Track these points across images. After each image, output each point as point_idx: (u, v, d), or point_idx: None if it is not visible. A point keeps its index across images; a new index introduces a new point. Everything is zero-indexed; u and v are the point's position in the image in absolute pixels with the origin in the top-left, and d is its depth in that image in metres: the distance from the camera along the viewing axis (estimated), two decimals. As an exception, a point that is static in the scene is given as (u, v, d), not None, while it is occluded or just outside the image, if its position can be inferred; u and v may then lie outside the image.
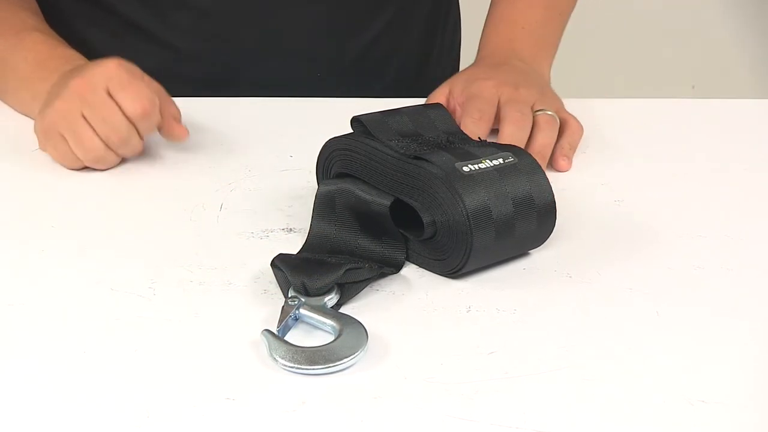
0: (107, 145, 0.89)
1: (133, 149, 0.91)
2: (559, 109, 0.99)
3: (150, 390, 0.64)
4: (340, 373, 0.65)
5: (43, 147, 0.92)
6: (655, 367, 0.66)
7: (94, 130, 0.88)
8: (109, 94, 0.89)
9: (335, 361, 0.65)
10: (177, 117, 0.94)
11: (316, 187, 0.82)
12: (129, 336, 0.69)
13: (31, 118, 0.98)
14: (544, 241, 0.79)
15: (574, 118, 0.98)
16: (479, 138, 0.86)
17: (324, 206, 0.80)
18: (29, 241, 0.82)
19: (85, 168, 0.92)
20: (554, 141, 0.95)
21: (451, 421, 0.61)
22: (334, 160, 0.81)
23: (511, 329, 0.70)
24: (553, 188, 0.77)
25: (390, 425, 0.61)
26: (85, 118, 0.88)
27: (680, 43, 2.29)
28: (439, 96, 1.00)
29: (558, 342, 0.69)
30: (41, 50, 0.99)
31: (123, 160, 0.93)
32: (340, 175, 0.81)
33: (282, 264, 0.73)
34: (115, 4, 1.11)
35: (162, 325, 0.71)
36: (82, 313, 0.72)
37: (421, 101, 1.01)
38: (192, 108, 0.99)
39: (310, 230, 0.80)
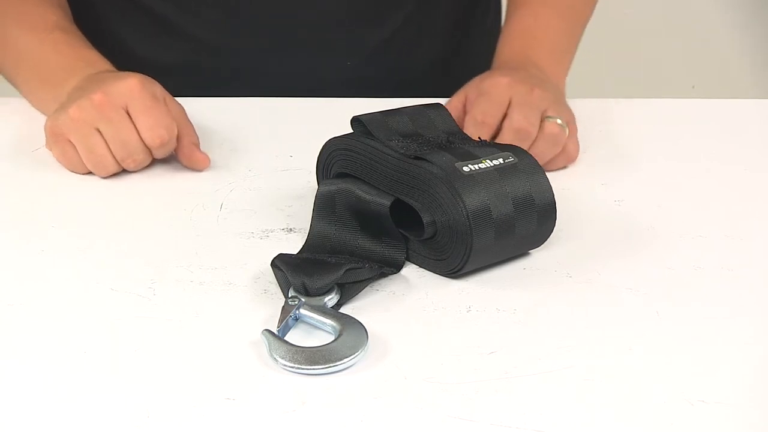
0: (117, 160, 0.90)
1: (141, 166, 0.91)
2: (570, 122, 0.95)
3: (150, 390, 0.64)
4: (340, 373, 0.65)
5: (49, 147, 0.92)
6: (655, 367, 0.66)
7: (108, 146, 0.89)
8: (128, 114, 0.89)
9: (335, 361, 0.65)
10: (197, 143, 0.94)
11: (316, 187, 0.82)
12: (129, 336, 0.69)
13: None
14: (544, 241, 0.79)
15: (576, 143, 0.95)
16: (479, 138, 0.86)
17: (324, 206, 0.80)
18: (29, 241, 0.82)
19: (88, 171, 0.92)
20: (554, 154, 0.92)
21: (451, 421, 0.61)
22: (334, 160, 0.81)
23: (511, 329, 0.70)
24: (553, 188, 0.77)
25: (390, 425, 0.61)
26: (99, 132, 0.88)
27: (680, 43, 2.29)
28: (455, 103, 0.97)
29: (558, 342, 0.69)
30: (64, 51, 0.99)
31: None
32: (340, 175, 0.81)
33: (282, 264, 0.73)
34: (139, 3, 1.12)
35: (162, 325, 0.71)
36: (82, 313, 0.72)
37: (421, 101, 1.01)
38: (192, 108, 0.99)
39: (310, 230, 0.80)
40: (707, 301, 0.74)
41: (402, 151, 0.77)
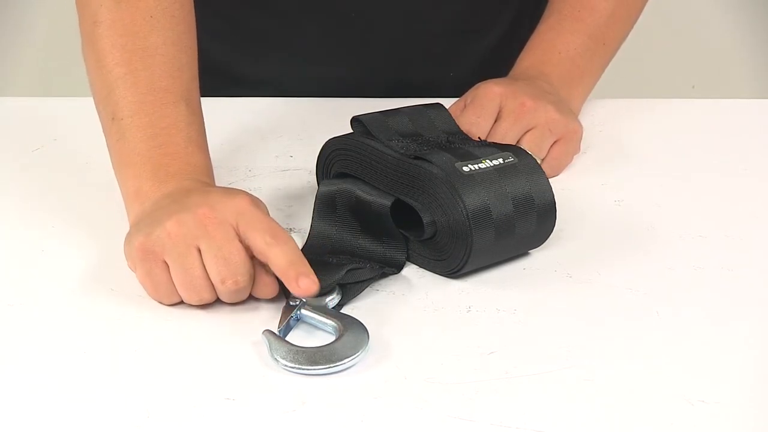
0: (215, 288, 0.72)
1: (239, 299, 0.73)
2: (565, 137, 0.93)
3: (150, 390, 0.64)
4: (340, 373, 0.65)
5: (132, 266, 0.75)
6: (655, 367, 0.66)
7: (205, 268, 0.72)
8: (237, 233, 0.72)
9: (336, 361, 0.65)
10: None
11: (316, 187, 0.82)
12: (129, 336, 0.69)
13: (123, 201, 0.82)
14: (544, 241, 0.79)
15: (565, 156, 0.93)
16: (479, 138, 0.86)
17: (325, 206, 0.80)
18: (29, 241, 0.82)
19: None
20: None
21: (451, 421, 0.61)
22: (334, 160, 0.81)
23: (511, 329, 0.70)
24: (553, 188, 0.77)
25: (390, 425, 0.61)
26: (199, 250, 0.72)
27: (680, 43, 2.29)
28: (456, 107, 0.95)
29: (558, 342, 0.69)
30: (175, 142, 0.80)
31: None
32: (340, 175, 0.81)
33: (282, 264, 0.73)
34: (239, 13, 1.10)
35: (162, 325, 0.71)
36: (82, 313, 0.72)
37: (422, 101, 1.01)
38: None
39: (310, 230, 0.80)
40: (707, 301, 0.74)
41: (402, 151, 0.77)
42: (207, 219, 0.72)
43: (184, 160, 0.80)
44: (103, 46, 0.83)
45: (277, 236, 0.72)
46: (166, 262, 0.72)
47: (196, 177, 0.79)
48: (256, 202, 0.75)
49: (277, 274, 0.71)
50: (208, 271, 0.71)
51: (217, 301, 0.73)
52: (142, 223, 0.75)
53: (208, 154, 0.83)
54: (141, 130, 0.80)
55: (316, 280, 0.70)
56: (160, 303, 0.73)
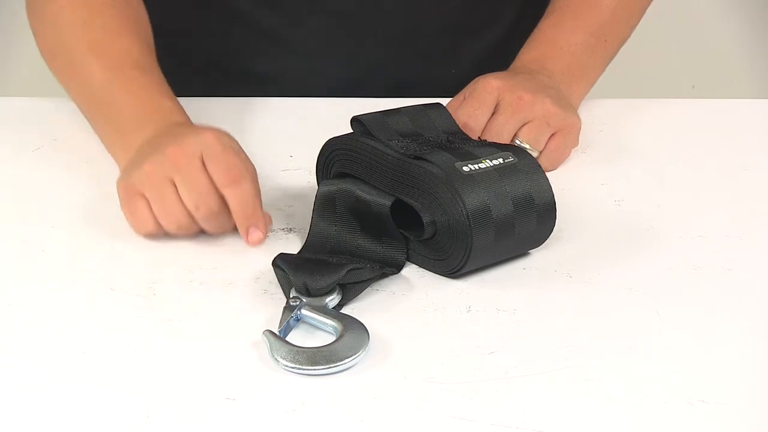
0: (192, 215, 0.80)
1: (220, 226, 0.81)
2: (563, 130, 0.93)
3: (150, 390, 0.64)
4: (340, 373, 0.65)
5: (123, 207, 0.83)
6: (655, 367, 0.66)
7: (180, 197, 0.80)
8: (203, 164, 0.81)
9: (336, 362, 0.65)
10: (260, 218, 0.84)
11: (316, 187, 0.82)
12: (129, 336, 0.69)
13: (115, 162, 0.91)
14: (544, 241, 0.79)
15: (562, 151, 0.94)
16: (479, 138, 0.85)
17: (324, 206, 0.80)
18: (29, 241, 0.82)
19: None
20: None
21: (451, 421, 0.61)
22: (334, 160, 0.81)
23: (511, 329, 0.70)
24: (553, 188, 0.77)
25: (390, 425, 0.61)
26: (173, 183, 0.80)
27: (680, 43, 2.29)
28: (455, 102, 0.95)
29: (558, 342, 0.69)
30: (139, 96, 0.91)
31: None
32: (340, 175, 0.81)
33: (284, 264, 0.74)
34: (244, 12, 1.10)
35: (162, 325, 0.71)
36: (82, 313, 0.72)
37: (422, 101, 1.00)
38: (191, 108, 0.99)
39: (310, 230, 0.80)
40: (707, 301, 0.74)
41: (402, 151, 0.77)
42: (176, 155, 0.81)
43: (155, 108, 0.90)
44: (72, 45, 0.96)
45: (231, 175, 0.80)
46: (146, 197, 0.81)
47: (171, 119, 0.89)
48: (220, 136, 0.82)
49: (233, 216, 0.80)
50: (184, 202, 0.80)
51: (215, 302, 0.73)
52: (127, 168, 0.84)
53: (175, 98, 0.92)
54: (106, 106, 0.92)
55: (264, 231, 0.80)
56: (139, 234, 0.81)
